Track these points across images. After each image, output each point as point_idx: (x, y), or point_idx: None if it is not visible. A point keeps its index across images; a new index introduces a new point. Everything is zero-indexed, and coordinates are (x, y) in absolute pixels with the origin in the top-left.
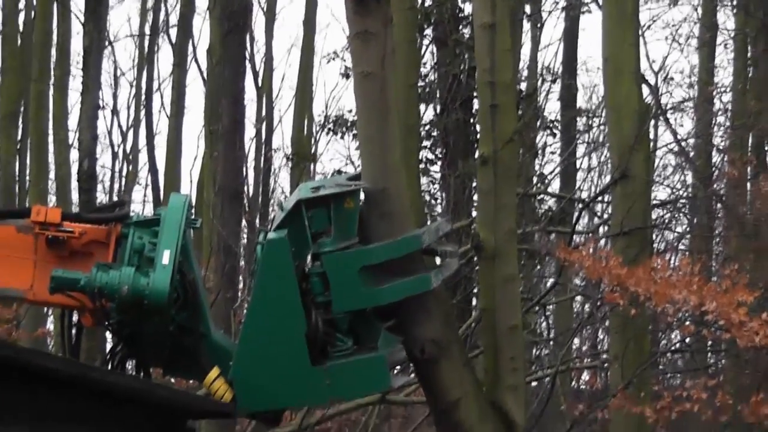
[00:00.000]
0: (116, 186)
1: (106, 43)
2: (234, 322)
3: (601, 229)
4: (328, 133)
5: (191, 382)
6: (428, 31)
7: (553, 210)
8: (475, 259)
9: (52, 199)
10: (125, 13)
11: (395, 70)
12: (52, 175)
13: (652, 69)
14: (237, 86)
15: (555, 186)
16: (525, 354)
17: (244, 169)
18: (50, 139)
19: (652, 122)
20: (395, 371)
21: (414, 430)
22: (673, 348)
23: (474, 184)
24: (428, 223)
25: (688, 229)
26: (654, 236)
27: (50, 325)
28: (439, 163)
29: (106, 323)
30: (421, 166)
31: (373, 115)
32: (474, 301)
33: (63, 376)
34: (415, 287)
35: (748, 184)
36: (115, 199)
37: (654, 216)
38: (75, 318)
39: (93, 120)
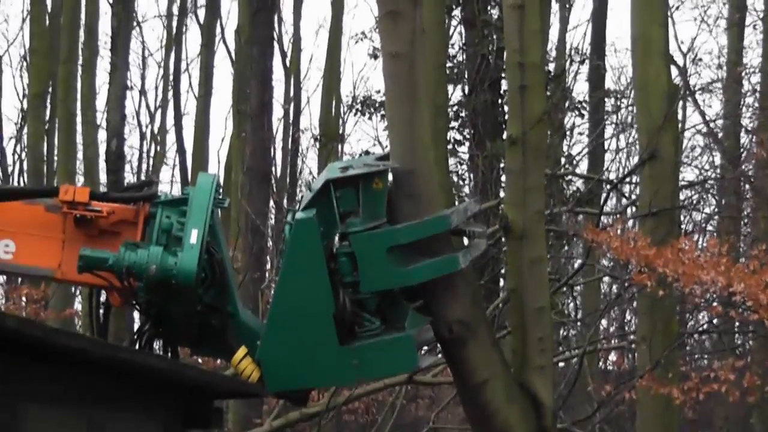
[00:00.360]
0: (144, 166)
1: (134, 23)
2: (262, 303)
3: (629, 210)
4: (355, 114)
5: (219, 362)
6: (456, 12)
7: (581, 191)
8: (503, 239)
9: (80, 180)
10: None
11: (424, 51)
12: (80, 155)
13: (680, 50)
14: (265, 67)
15: (583, 167)
16: (552, 335)
17: (272, 150)
18: (78, 119)
19: (681, 103)
20: (423, 352)
21: (441, 411)
22: (700, 329)
23: (502, 165)
24: (456, 203)
25: (716, 210)
26: (682, 217)
27: (78, 306)
28: (467, 144)
29: (134, 303)
30: (449, 147)
31: (402, 96)
32: (501, 282)
33: (91, 357)
34: (443, 268)
35: None
36: (143, 179)
37: (682, 197)
38: (103, 298)
39: (121, 100)
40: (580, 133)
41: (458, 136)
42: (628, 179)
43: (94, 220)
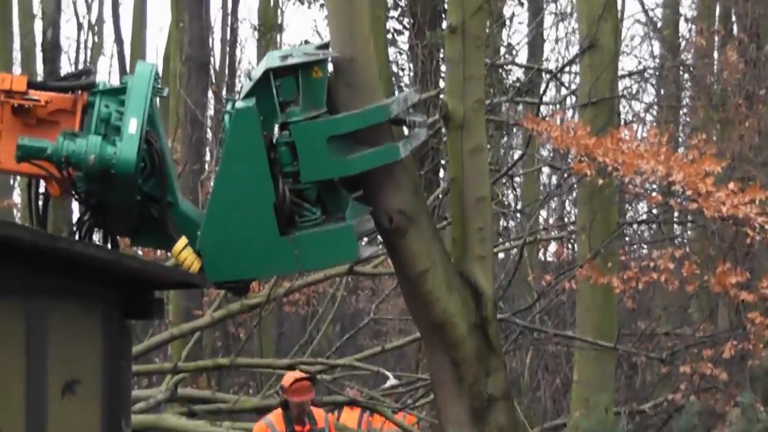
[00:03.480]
0: (81, 57)
1: None
2: (201, 194)
3: (568, 100)
4: (295, 3)
5: (159, 253)
6: None
7: (521, 80)
8: (443, 129)
9: (17, 70)
10: None
11: None
12: (17, 46)
13: None
14: None
15: (522, 56)
16: (493, 225)
17: (211, 40)
18: (15, 9)
19: None
20: (363, 242)
21: (381, 302)
22: (640, 219)
23: (442, 55)
24: (396, 93)
25: (655, 99)
26: (621, 107)
27: (17, 197)
28: (407, 33)
29: (73, 193)
30: (389, 36)
31: None
32: (442, 173)
33: (30, 246)
34: (383, 157)
35: (716, 54)
36: (81, 68)
37: (621, 86)
38: (42, 189)
39: None
40: (520, 23)
41: (398, 26)
42: (567, 69)
43: (32, 108)
